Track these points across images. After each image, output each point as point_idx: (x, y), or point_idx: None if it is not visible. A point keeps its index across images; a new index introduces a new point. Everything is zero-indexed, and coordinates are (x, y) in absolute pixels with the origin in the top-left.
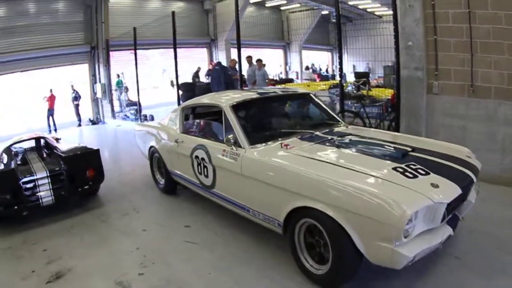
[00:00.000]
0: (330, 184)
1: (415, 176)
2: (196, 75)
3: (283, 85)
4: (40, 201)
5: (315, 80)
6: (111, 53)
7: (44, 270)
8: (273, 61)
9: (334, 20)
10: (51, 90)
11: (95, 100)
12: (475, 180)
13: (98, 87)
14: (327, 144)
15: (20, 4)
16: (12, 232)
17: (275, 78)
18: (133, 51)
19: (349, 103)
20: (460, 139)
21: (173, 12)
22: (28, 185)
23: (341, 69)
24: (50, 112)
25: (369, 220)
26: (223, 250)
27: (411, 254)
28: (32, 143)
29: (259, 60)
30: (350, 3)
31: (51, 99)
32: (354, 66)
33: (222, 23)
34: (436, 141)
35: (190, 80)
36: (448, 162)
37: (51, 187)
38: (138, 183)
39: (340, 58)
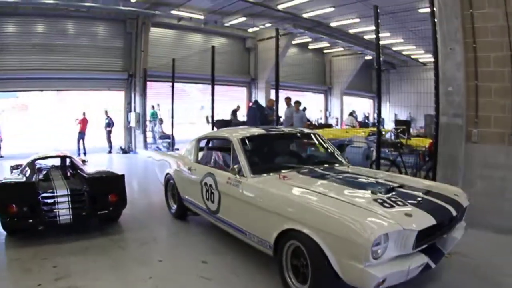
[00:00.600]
0: (313, 208)
1: (392, 206)
2: (234, 113)
3: (320, 130)
4: (58, 218)
5: (355, 127)
6: (148, 83)
7: (51, 285)
8: (313, 105)
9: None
10: (84, 113)
11: (128, 129)
12: (454, 214)
13: (132, 116)
14: (322, 178)
15: (60, 22)
16: (24, 245)
17: (314, 123)
18: (170, 83)
19: (387, 150)
20: (499, 190)
21: (212, 47)
22: (47, 201)
23: (379, 115)
24: (81, 135)
25: (342, 240)
26: None
27: (380, 274)
28: (57, 162)
29: (297, 102)
30: (394, 48)
31: (83, 122)
32: (395, 115)
33: (263, 63)
34: (430, 181)
35: (228, 118)
36: (429, 197)
37: (70, 206)
38: (162, 214)
39: (379, 104)
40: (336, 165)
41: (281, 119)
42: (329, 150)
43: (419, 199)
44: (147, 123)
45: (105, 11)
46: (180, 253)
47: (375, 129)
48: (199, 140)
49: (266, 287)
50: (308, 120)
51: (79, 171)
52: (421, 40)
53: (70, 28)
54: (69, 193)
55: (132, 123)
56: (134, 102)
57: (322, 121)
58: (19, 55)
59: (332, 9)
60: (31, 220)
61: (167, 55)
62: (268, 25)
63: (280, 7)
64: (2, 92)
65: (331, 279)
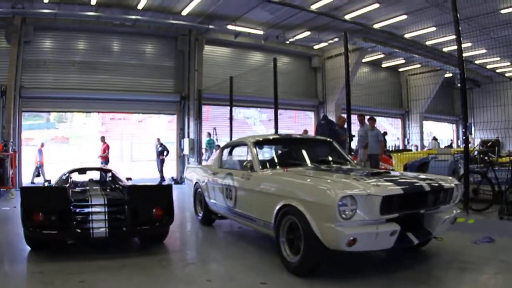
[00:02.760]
0: (299, 184)
1: (364, 181)
2: None
3: (399, 154)
4: (91, 231)
5: None
6: (204, 107)
7: None
8: (389, 132)
9: (459, 85)
10: (103, 138)
11: (181, 157)
12: (427, 189)
13: (186, 142)
14: (319, 169)
15: (103, 39)
16: (49, 260)
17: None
18: (227, 107)
19: (475, 167)
20: None
21: (274, 59)
22: (81, 211)
23: (465, 127)
24: (105, 163)
25: (317, 205)
26: None
27: (349, 232)
28: (97, 176)
29: (372, 119)
30: (477, 62)
31: (105, 149)
32: (481, 140)
33: (331, 83)
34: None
35: None
36: (406, 176)
37: (106, 218)
38: (216, 238)
39: (465, 119)
40: (343, 164)
41: (355, 139)
42: (338, 153)
43: (396, 177)
44: (203, 151)
45: (153, 26)
46: (234, 273)
47: (460, 149)
48: (223, 148)
49: None
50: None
51: (120, 182)
52: (506, 49)
53: (114, 45)
54: (106, 202)
55: (186, 151)
56: (188, 128)
57: (400, 147)
58: (57, 73)
59: (405, 16)
60: (59, 232)
61: (224, 76)
62: (335, 39)
63: (347, 17)
64: (38, 112)
65: (319, 248)
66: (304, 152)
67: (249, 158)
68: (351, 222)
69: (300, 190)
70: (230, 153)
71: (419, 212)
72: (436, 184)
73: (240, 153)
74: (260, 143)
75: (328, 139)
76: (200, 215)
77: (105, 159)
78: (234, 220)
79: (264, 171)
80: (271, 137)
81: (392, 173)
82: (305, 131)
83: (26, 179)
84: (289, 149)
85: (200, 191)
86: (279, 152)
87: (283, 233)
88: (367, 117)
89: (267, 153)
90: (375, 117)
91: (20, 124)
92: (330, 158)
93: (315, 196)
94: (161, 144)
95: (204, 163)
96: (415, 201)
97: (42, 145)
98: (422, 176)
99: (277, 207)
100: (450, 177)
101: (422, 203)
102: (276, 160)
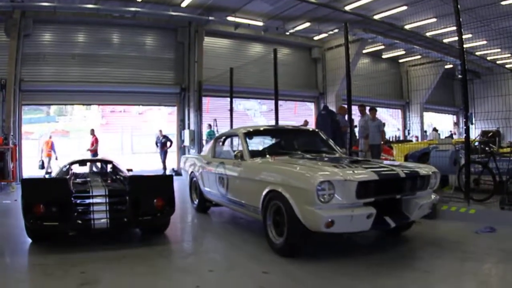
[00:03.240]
0: (283, 171)
1: (343, 168)
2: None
3: (399, 144)
4: (92, 222)
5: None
6: (203, 98)
7: None
8: (390, 123)
9: (460, 76)
10: (93, 131)
11: (181, 149)
12: (402, 176)
13: (186, 133)
14: (305, 158)
15: (103, 31)
16: (51, 252)
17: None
18: (227, 99)
19: (476, 157)
20: None
21: (275, 50)
22: (81, 202)
23: (466, 117)
24: (94, 156)
25: (299, 190)
26: None
27: (327, 215)
28: (98, 168)
29: (373, 109)
30: (477, 53)
31: (94, 141)
32: (482, 130)
33: (332, 74)
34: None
35: None
36: (385, 165)
37: (107, 208)
38: (214, 227)
39: (466, 110)
40: (329, 153)
41: (356, 130)
42: (325, 143)
43: (375, 165)
44: (204, 142)
45: (152, 18)
46: (235, 263)
47: (461, 139)
48: (216, 139)
49: None
50: None
51: (120, 173)
52: (506, 40)
53: (114, 37)
54: (107, 193)
55: (186, 142)
56: (188, 119)
57: (401, 138)
58: (57, 66)
59: (405, 7)
60: (60, 223)
61: (224, 67)
62: (335, 30)
63: (347, 8)
64: (38, 105)
65: (301, 229)
66: (292, 142)
67: (240, 148)
68: (329, 206)
69: (284, 177)
70: (223, 143)
71: (395, 197)
72: (412, 171)
73: (232, 143)
74: (251, 134)
75: (314, 129)
76: (196, 203)
77: (94, 152)
78: (227, 206)
79: (254, 160)
80: (261, 128)
81: (373, 161)
82: (306, 122)
83: (29, 172)
84: (278, 139)
85: (195, 180)
86: (269, 142)
87: (269, 217)
88: (367, 108)
89: (257, 143)
90: (376, 108)
91: (20, 118)
92: (317, 148)
93: (297, 182)
94: (164, 136)
95: None
96: (390, 186)
97: (50, 137)
98: (401, 164)
99: (264, 193)
100: (428, 165)
101: (397, 189)
102: (265, 150)
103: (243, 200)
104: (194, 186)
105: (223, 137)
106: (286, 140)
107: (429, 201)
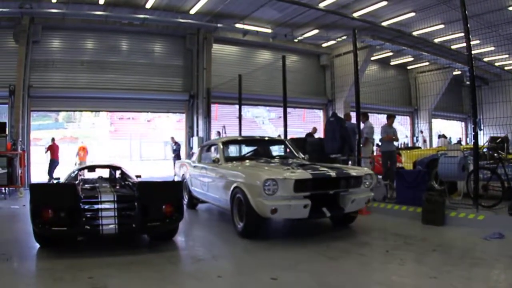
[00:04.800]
0: (243, 172)
1: (288, 170)
2: (310, 135)
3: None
4: (100, 228)
5: None
6: (212, 105)
7: None
8: (398, 129)
9: (468, 82)
10: (53, 139)
11: (190, 155)
12: (333, 175)
13: (195, 140)
14: (267, 162)
15: (112, 38)
16: (59, 257)
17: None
18: (236, 106)
19: (485, 163)
20: None
21: (283, 57)
22: (90, 207)
23: (475, 123)
24: (54, 163)
25: (252, 186)
26: None
27: (271, 204)
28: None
29: (364, 114)
30: (485, 59)
31: (53, 149)
32: (490, 136)
33: (340, 81)
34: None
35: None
36: (324, 167)
37: (116, 214)
38: (225, 233)
39: (475, 115)
40: (293, 158)
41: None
42: (290, 150)
43: (314, 168)
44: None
45: (161, 25)
46: (246, 269)
47: (469, 146)
48: (202, 147)
49: None
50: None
51: (129, 179)
52: None
53: (123, 44)
54: (115, 199)
55: (195, 149)
56: (197, 126)
57: (409, 145)
58: (65, 72)
59: (413, 14)
60: (68, 228)
61: (232, 74)
62: (344, 37)
63: (355, 14)
64: (47, 111)
65: (256, 216)
66: (262, 149)
67: (217, 153)
68: (274, 197)
69: (244, 176)
70: (207, 150)
71: (328, 192)
72: (343, 173)
73: (212, 150)
74: (227, 143)
75: (282, 139)
76: (185, 200)
77: (55, 158)
78: (208, 202)
79: (227, 164)
80: (236, 138)
81: (317, 165)
82: (314, 129)
83: (37, 177)
84: (251, 147)
85: (185, 181)
86: (241, 149)
87: (235, 207)
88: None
89: (230, 149)
90: (366, 112)
91: (28, 124)
92: (280, 154)
93: (251, 180)
94: (176, 143)
95: None
96: (323, 184)
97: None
98: (339, 167)
99: (231, 189)
100: (365, 169)
101: (330, 186)
102: (237, 156)
103: (217, 195)
104: (184, 187)
105: (207, 146)
106: (257, 148)
107: (362, 197)
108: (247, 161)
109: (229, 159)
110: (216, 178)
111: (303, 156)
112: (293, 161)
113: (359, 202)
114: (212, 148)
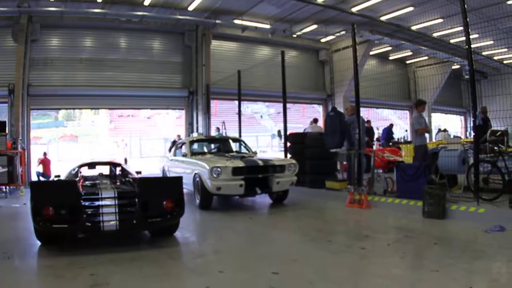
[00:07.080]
0: (199, 163)
1: (229, 160)
2: (315, 120)
3: (406, 145)
4: (101, 224)
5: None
6: (212, 101)
7: None
8: (398, 124)
9: (467, 76)
10: (44, 154)
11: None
12: (260, 164)
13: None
14: (220, 155)
15: (110, 36)
16: (61, 253)
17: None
18: (235, 101)
19: (485, 156)
20: None
21: (282, 52)
22: (91, 204)
23: (474, 116)
24: (45, 178)
25: (205, 171)
26: None
27: (216, 183)
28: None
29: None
30: (484, 53)
31: (44, 162)
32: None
33: (339, 76)
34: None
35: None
36: (255, 158)
37: (116, 210)
38: (227, 230)
39: (474, 108)
40: (246, 154)
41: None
42: (245, 147)
43: (249, 158)
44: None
45: (160, 22)
46: (248, 264)
47: (469, 139)
48: (176, 145)
49: None
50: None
51: (129, 175)
52: None
53: (122, 41)
54: (116, 195)
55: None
56: (197, 122)
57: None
58: (64, 70)
59: (411, 8)
60: (69, 225)
61: (231, 70)
62: (342, 32)
63: (354, 9)
64: (46, 109)
65: (208, 193)
66: (222, 146)
67: (186, 150)
68: (219, 179)
69: (201, 165)
70: (180, 147)
71: (258, 176)
72: (269, 162)
73: (183, 146)
74: (193, 141)
75: (238, 138)
76: None
77: (46, 173)
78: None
79: (192, 157)
80: (201, 137)
81: (255, 157)
82: (315, 119)
83: (36, 176)
84: (211, 144)
85: (165, 172)
86: (204, 146)
87: (195, 188)
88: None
89: (195, 146)
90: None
91: (28, 122)
92: (234, 149)
93: (204, 168)
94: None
95: None
96: (254, 170)
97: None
98: (269, 158)
99: (193, 174)
100: (288, 159)
101: (259, 171)
102: (200, 151)
103: (186, 180)
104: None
105: (180, 144)
106: (218, 145)
107: (286, 179)
108: (208, 155)
109: (194, 153)
110: (185, 167)
111: (253, 151)
112: (239, 155)
113: (284, 184)
114: (183, 146)
